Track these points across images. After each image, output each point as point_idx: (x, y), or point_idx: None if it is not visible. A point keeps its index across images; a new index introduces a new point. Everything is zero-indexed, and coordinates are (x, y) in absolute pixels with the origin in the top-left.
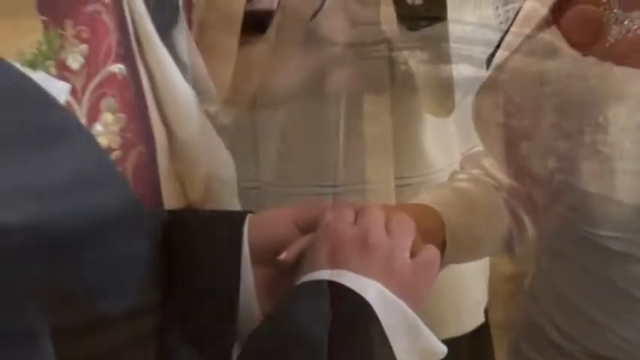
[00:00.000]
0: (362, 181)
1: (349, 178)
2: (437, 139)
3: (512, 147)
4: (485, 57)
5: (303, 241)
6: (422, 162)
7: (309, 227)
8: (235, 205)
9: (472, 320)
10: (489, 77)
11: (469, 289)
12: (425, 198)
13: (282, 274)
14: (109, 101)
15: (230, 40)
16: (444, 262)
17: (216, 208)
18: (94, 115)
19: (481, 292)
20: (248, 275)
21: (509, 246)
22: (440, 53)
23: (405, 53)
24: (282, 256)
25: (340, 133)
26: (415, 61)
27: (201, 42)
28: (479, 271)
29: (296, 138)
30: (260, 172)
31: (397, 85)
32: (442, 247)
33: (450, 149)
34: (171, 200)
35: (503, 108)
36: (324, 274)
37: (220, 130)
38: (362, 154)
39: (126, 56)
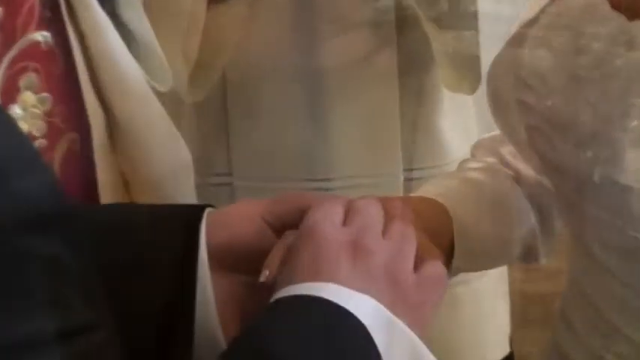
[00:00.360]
0: (363, 174)
1: (347, 169)
2: (455, 122)
3: (537, 132)
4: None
5: (281, 249)
6: (436, 150)
7: (282, 224)
8: None
9: (495, 351)
10: (509, 45)
11: (490, 313)
12: (428, 190)
13: (251, 285)
14: (30, 78)
15: (195, 3)
16: (453, 269)
17: None
18: (10, 95)
19: (504, 316)
20: (206, 286)
21: (532, 253)
22: (463, 13)
23: (419, 14)
24: (263, 277)
25: (335, 115)
26: (431, 23)
27: (156, 6)
28: (499, 290)
29: (279, 121)
30: (233, 164)
31: (407, 54)
32: (449, 248)
33: (469, 135)
34: (110, 202)
35: (526, 83)
36: (307, 288)
37: (178, 113)
38: (363, 140)
39: (52, 21)
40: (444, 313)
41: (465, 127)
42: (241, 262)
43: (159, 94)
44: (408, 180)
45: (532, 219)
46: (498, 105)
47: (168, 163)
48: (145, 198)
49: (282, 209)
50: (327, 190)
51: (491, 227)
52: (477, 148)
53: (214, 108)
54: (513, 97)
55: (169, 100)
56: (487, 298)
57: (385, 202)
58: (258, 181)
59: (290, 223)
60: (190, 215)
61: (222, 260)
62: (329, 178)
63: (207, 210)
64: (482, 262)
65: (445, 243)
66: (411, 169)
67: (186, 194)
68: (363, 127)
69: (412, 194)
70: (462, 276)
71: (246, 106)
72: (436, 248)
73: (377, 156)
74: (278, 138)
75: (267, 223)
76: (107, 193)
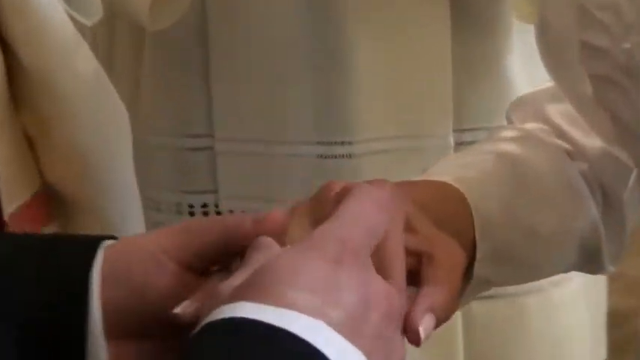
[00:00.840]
0: (396, 136)
1: (374, 129)
2: (526, 67)
3: (609, 85)
4: None
5: (212, 286)
6: (500, 105)
7: (206, 262)
8: (129, 192)
9: None
10: None
11: (570, 333)
12: (441, 170)
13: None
14: None
15: None
16: (476, 279)
17: (92, 195)
18: None
19: (594, 337)
20: (99, 356)
21: (593, 257)
22: None
23: None
24: (181, 308)
25: (357, 52)
26: None
27: None
28: (584, 302)
29: (279, 59)
30: (215, 120)
31: None
32: (470, 253)
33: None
34: (10, 180)
35: (594, 18)
36: (246, 309)
37: (137, 48)
38: (397, 88)
39: None
40: (506, 328)
41: (540, 75)
42: (151, 323)
43: (104, 23)
44: (458, 144)
45: (592, 209)
46: (552, 46)
47: (96, 124)
48: (60, 174)
49: (202, 241)
50: (345, 156)
51: (530, 222)
52: (514, 109)
53: (189, 40)
54: (575, 36)
55: (123, 29)
56: (565, 312)
57: (375, 190)
58: (248, 144)
59: (218, 259)
60: (77, 258)
61: (123, 323)
62: (348, 142)
63: (105, 245)
64: (517, 271)
65: (462, 245)
66: (463, 130)
67: (121, 164)
68: (398, 70)
69: (421, 177)
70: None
71: (234, 38)
72: (452, 240)
73: (417, 111)
74: (277, 83)
75: (182, 264)
76: (6, 171)
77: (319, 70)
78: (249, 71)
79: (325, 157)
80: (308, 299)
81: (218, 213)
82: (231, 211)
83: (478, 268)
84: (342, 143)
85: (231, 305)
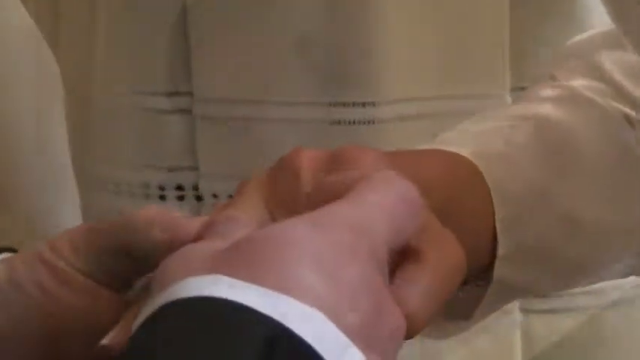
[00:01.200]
0: (439, 96)
1: (408, 87)
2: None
3: None
4: None
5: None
6: None
7: (116, 275)
8: (59, 176)
9: None
10: None
11: None
12: (456, 138)
13: None
14: None
15: None
16: (495, 285)
17: (9, 184)
18: None
19: None
20: None
21: None
22: None
23: None
24: (106, 339)
25: None
26: None
27: None
28: None
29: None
30: (194, 75)
31: None
32: (489, 250)
33: None
34: None
35: None
36: (215, 285)
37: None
38: (438, 33)
39: None
40: (577, 352)
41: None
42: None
43: None
44: None
45: None
46: None
47: (18, 84)
48: None
49: (102, 247)
50: (367, 122)
51: (571, 208)
52: (558, 61)
53: None
54: None
55: None
56: None
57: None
58: (237, 106)
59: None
60: None
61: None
62: (371, 102)
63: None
64: (551, 273)
65: (476, 238)
66: (523, 89)
67: (50, 141)
68: (439, 11)
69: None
70: (609, 292)
71: None
72: (452, 236)
73: (464, 63)
74: (277, 24)
75: (90, 276)
76: None
77: (333, 7)
78: (239, 10)
79: (339, 123)
80: (318, 287)
81: (198, 198)
82: (214, 196)
83: (499, 268)
84: (363, 105)
85: (203, 279)
